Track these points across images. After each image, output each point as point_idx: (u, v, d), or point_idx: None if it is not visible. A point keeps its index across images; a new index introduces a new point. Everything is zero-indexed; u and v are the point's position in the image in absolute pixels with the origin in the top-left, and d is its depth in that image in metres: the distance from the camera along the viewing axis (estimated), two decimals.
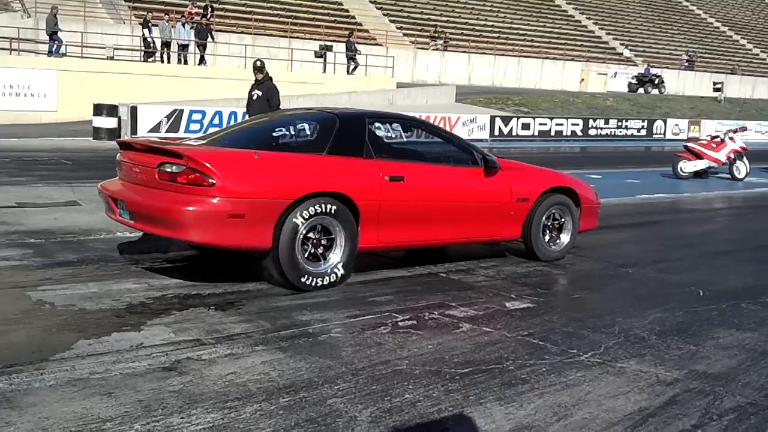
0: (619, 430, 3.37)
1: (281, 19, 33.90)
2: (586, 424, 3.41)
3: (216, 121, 19.72)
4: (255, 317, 4.77)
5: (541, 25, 46.27)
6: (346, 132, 5.95)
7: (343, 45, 29.13)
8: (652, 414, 3.54)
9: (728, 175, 15.52)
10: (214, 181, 5.06)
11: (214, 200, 5.09)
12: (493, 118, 26.51)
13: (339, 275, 5.57)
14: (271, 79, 12.03)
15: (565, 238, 7.07)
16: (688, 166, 15.28)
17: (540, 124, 27.99)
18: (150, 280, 5.55)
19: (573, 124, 29.06)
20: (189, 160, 5.16)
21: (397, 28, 39.53)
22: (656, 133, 31.75)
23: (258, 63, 12.04)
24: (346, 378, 3.80)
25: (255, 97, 11.87)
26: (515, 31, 44.17)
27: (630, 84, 42.54)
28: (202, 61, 26.30)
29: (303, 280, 5.38)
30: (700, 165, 15.32)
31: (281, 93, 12.06)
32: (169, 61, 25.17)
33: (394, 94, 27.67)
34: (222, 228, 5.15)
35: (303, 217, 5.30)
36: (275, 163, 5.51)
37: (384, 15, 40.25)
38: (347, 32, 30.92)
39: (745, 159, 15.56)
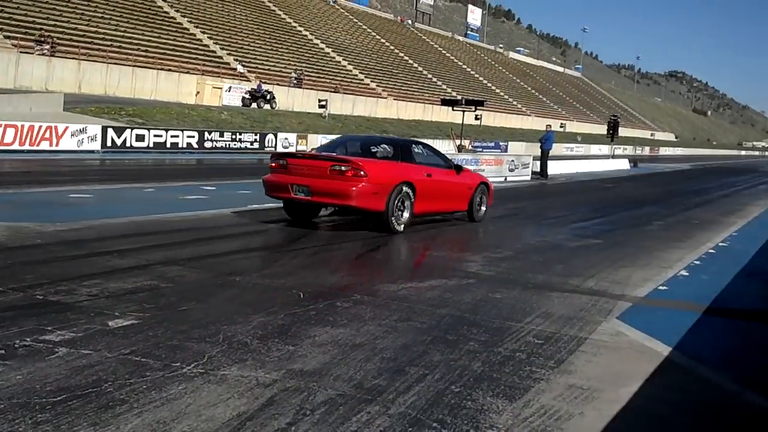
0: None
1: None
2: None
3: None
4: None
5: (157, 36, 45.50)
6: (406, 150, 11.30)
7: None
8: (250, 417, 3.63)
9: None
10: (365, 174, 9.82)
11: (366, 184, 9.82)
12: (105, 129, 25.24)
13: (406, 224, 10.53)
14: None
15: (484, 208, 12.81)
16: None
17: (155, 135, 27.40)
18: None
19: (189, 136, 28.99)
20: (353, 163, 9.90)
21: None
22: (268, 146, 33.15)
23: None
24: None
25: None
26: (129, 41, 42.78)
27: (244, 99, 43.89)
28: None
29: (395, 227, 10.29)
30: None
31: None
32: None
33: None
34: (367, 198, 9.90)
35: (399, 193, 10.27)
36: (386, 167, 10.49)
37: None
38: None
39: None
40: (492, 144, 51.17)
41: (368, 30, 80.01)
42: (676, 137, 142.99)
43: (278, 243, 9.47)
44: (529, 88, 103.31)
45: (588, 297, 7.04)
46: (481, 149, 43.99)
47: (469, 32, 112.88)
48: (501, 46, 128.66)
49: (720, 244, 11.69)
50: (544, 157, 27.05)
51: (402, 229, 10.41)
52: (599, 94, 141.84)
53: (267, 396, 3.93)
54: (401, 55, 78.38)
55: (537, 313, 6.25)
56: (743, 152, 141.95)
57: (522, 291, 7.14)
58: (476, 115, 51.41)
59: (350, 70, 62.84)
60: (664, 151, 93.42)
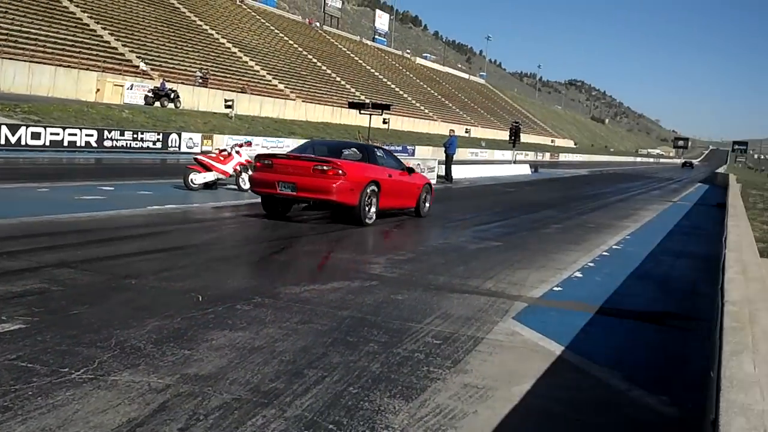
0: None
1: None
2: None
3: None
4: None
5: (55, 30, 43.69)
6: (372, 153, 13.05)
7: None
8: (140, 423, 3.54)
9: (235, 187, 16.56)
10: (344, 173, 11.44)
11: (344, 182, 11.43)
12: None
13: (373, 219, 12.21)
14: None
15: (428, 205, 14.68)
16: (198, 178, 15.88)
17: (52, 133, 26.34)
18: None
19: (87, 135, 28.02)
20: (333, 164, 11.50)
21: None
22: (171, 146, 32.44)
23: None
24: None
25: None
26: (26, 35, 40.92)
27: (147, 97, 42.71)
28: None
29: (365, 220, 11.96)
30: (209, 177, 16.04)
31: None
32: None
33: None
34: (345, 194, 11.49)
35: (368, 191, 11.94)
36: (359, 167, 12.09)
37: None
38: None
39: (250, 171, 16.77)
40: (400, 148, 51.64)
41: (276, 31, 79.37)
42: (575, 144, 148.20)
43: (179, 245, 9.25)
44: (436, 94, 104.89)
45: (486, 298, 7.20)
46: None
47: (377, 37, 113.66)
48: (408, 51, 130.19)
49: (613, 246, 12.16)
50: (448, 161, 27.51)
51: (370, 222, 12.22)
52: (502, 100, 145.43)
53: (159, 401, 3.83)
54: (309, 57, 78.12)
55: (437, 314, 6.34)
56: (639, 159, 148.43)
57: (423, 292, 7.23)
58: (384, 119, 51.88)
59: (257, 71, 62.15)
60: (564, 157, 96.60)
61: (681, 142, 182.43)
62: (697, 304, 7.71)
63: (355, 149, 12.97)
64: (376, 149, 13.85)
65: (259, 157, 12.55)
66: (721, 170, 72.95)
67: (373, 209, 12.24)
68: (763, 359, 2.55)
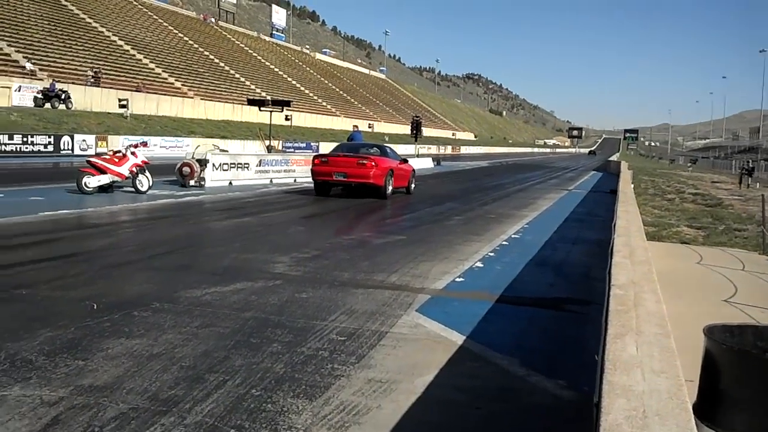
0: None
1: None
2: None
3: None
4: None
5: None
6: (385, 151, 19.87)
7: None
8: None
9: (132, 189, 16.07)
10: (376, 165, 18.12)
11: (377, 170, 18.05)
12: None
13: (389, 192, 18.71)
14: None
15: (413, 186, 21.06)
16: (92, 181, 15.32)
17: None
18: None
19: None
20: (369, 158, 18.26)
21: None
22: (64, 149, 31.23)
23: None
24: None
25: None
26: None
27: (36, 99, 40.84)
28: None
29: (386, 194, 18.43)
30: (104, 180, 15.51)
31: None
32: None
33: None
34: (377, 178, 18.02)
35: (388, 175, 18.57)
36: (383, 160, 18.71)
37: None
38: None
39: (147, 173, 16.32)
40: (303, 144, 51.42)
41: (170, 27, 77.33)
42: (475, 136, 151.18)
43: (73, 252, 8.90)
44: (337, 89, 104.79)
45: (391, 292, 7.26)
46: (292, 149, 44.02)
47: (274, 32, 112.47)
48: (307, 47, 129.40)
49: (513, 236, 12.49)
50: None
51: (389, 194, 18.64)
52: (403, 95, 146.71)
53: (52, 415, 3.69)
54: (206, 53, 76.54)
55: (342, 310, 6.35)
56: (536, 150, 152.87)
57: (328, 289, 7.22)
58: (286, 116, 51.40)
59: (153, 69, 60.40)
60: (465, 149, 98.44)
61: (575, 132, 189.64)
62: (591, 289, 8.00)
63: (377, 148, 19.94)
64: (387, 147, 20.75)
65: (317, 156, 19.53)
66: (614, 158, 75.99)
67: (390, 188, 18.76)
68: (646, 341, 2.67)
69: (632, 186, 20.78)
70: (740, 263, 11.23)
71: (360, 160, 18.09)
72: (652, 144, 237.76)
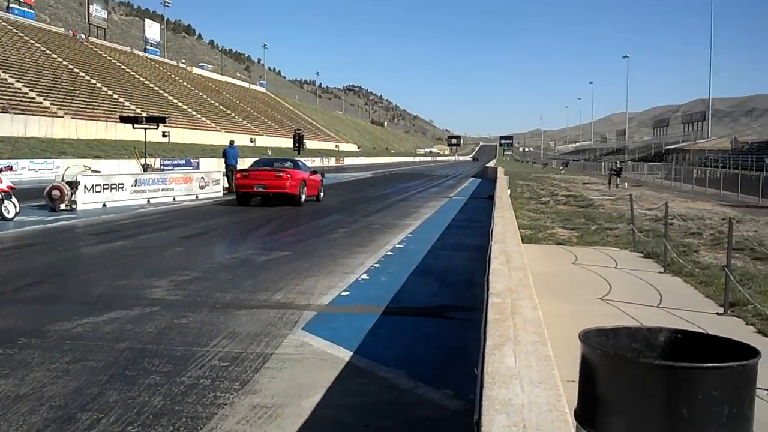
0: None
1: None
2: None
3: None
4: None
5: None
6: (297, 164, 23.17)
7: None
8: None
9: None
10: (291, 177, 21.08)
11: (292, 181, 21.01)
12: None
13: (303, 200, 21.58)
14: None
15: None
16: None
17: None
18: None
19: None
20: (286, 172, 21.22)
21: None
22: None
23: None
24: None
25: None
26: None
27: None
28: None
29: (301, 202, 21.28)
30: None
31: None
32: None
33: None
34: (292, 188, 20.96)
35: (302, 185, 21.46)
36: (296, 173, 21.74)
37: None
38: None
39: (13, 198, 15.39)
40: (183, 161, 50.08)
41: (37, 45, 73.70)
42: (358, 147, 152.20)
43: None
44: (217, 104, 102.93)
45: (276, 311, 7.12)
46: (171, 167, 42.74)
47: (148, 47, 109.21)
48: (184, 61, 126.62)
49: (397, 246, 12.58)
50: (230, 173, 27.01)
51: (302, 201, 21.21)
52: (285, 108, 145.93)
53: None
54: (77, 71, 73.37)
55: (224, 334, 6.16)
56: (418, 159, 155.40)
57: (209, 313, 7.00)
58: (164, 132, 50.03)
59: (19, 88, 57.30)
60: (349, 161, 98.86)
61: (454, 140, 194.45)
62: (474, 295, 8.13)
63: (290, 162, 23.10)
64: (299, 161, 24.17)
65: (239, 171, 22.80)
66: (491, 164, 78.24)
67: (303, 196, 21.32)
68: (524, 350, 2.69)
69: (509, 191, 21.43)
70: (613, 261, 11.74)
71: (277, 173, 20.87)
72: (527, 149, 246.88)
